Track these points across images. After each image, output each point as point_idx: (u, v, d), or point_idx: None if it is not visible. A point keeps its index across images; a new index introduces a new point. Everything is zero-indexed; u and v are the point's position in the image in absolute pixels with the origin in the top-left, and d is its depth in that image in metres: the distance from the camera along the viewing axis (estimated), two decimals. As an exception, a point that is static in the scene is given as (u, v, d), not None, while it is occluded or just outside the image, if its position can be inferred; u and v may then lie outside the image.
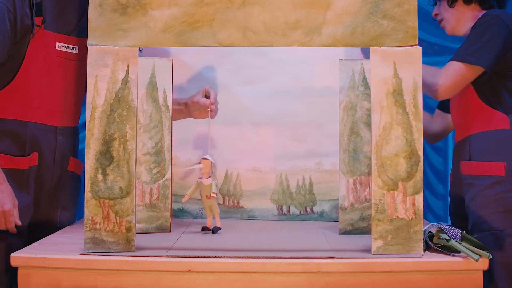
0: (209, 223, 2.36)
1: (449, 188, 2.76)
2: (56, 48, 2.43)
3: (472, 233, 2.39)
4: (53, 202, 2.52)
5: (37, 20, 2.36)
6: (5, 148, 2.36)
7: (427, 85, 2.43)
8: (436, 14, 2.68)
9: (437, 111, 2.89)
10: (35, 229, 2.43)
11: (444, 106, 2.83)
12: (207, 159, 2.30)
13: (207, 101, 2.51)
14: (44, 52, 2.39)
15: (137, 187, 2.27)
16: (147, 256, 1.95)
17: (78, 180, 2.63)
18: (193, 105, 2.54)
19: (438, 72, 2.46)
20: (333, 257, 1.96)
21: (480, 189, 2.48)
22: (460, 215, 2.62)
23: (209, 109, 2.49)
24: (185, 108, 2.59)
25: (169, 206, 2.39)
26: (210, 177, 2.30)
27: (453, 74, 2.43)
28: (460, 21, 2.61)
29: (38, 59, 2.38)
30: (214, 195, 2.29)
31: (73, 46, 2.47)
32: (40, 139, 2.42)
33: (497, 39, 2.43)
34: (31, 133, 2.39)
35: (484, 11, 2.57)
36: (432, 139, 2.93)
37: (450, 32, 2.66)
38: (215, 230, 2.34)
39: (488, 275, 2.29)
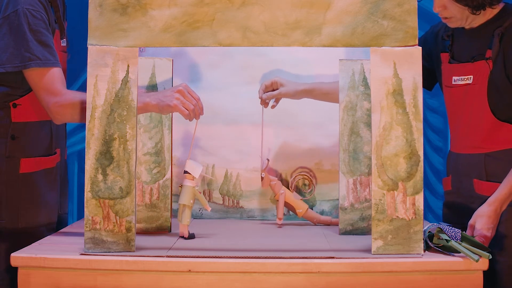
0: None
1: (444, 195, 2.59)
2: (62, 44, 2.41)
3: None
4: (60, 191, 2.53)
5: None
6: (36, 151, 2.33)
7: None
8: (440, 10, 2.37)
9: None
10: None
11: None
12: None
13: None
14: (57, 50, 2.37)
15: (137, 187, 2.27)
16: (147, 256, 1.95)
17: (66, 164, 2.62)
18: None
19: None
20: (333, 257, 1.96)
21: (503, 215, 2.28)
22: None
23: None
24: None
25: (169, 206, 2.39)
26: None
27: None
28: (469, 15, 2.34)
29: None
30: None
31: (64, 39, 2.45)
32: (59, 133, 2.43)
33: None
34: (54, 130, 2.39)
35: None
36: None
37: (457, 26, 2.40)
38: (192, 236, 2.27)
39: None
